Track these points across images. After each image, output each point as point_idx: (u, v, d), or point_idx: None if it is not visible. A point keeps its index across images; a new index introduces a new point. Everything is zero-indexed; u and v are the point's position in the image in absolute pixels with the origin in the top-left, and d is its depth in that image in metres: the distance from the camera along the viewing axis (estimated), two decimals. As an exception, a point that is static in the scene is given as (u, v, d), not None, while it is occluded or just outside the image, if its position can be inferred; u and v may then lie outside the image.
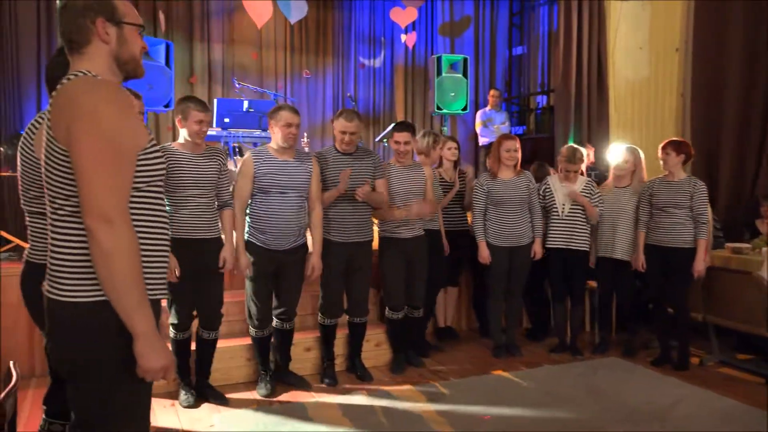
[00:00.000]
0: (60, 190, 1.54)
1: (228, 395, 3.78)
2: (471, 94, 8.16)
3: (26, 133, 2.20)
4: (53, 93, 1.58)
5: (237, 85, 6.60)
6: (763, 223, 5.50)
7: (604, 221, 4.67)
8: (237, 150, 7.01)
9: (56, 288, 1.55)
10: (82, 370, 1.56)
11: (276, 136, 3.69)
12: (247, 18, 7.22)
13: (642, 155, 4.76)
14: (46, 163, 1.56)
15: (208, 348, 3.68)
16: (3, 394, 1.77)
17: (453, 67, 7.65)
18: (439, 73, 7.54)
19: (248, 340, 3.98)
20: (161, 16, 7.06)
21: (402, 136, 4.17)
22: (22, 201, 2.29)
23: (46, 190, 1.59)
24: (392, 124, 4.55)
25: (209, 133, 6.32)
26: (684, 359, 4.39)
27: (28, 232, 2.26)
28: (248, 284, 3.75)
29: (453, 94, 7.53)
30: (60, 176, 1.53)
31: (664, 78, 6.81)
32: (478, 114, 7.81)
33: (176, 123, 3.51)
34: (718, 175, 6.27)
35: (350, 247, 3.93)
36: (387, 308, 4.26)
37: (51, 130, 1.52)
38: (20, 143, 2.21)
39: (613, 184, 4.74)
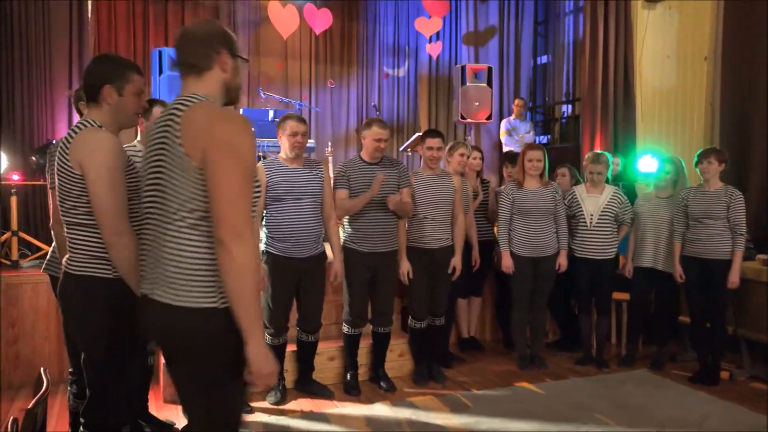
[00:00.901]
0: (185, 202, 1.73)
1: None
2: (495, 104, 8.13)
3: (62, 143, 2.20)
4: (176, 111, 1.77)
5: (263, 95, 6.67)
6: (795, 235, 5.39)
7: (645, 231, 4.61)
8: (263, 159, 7.08)
9: (175, 294, 1.73)
10: (203, 372, 1.76)
11: (283, 145, 3.73)
12: (273, 29, 7.31)
13: (684, 165, 4.71)
14: (164, 173, 1.76)
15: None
16: (34, 401, 1.80)
17: (477, 76, 7.64)
18: (463, 82, 7.53)
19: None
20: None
21: (435, 142, 4.18)
22: (60, 212, 2.27)
23: (153, 198, 1.80)
24: (417, 134, 4.55)
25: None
26: (714, 373, 4.30)
27: (68, 243, 2.26)
28: (268, 291, 3.74)
29: (477, 103, 7.51)
30: (189, 189, 1.71)
31: (692, 87, 6.72)
32: (503, 123, 7.78)
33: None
34: (748, 185, 6.15)
35: (376, 257, 3.94)
36: (410, 318, 4.26)
37: (182, 147, 1.71)
38: (58, 154, 2.20)
39: (654, 194, 4.69)
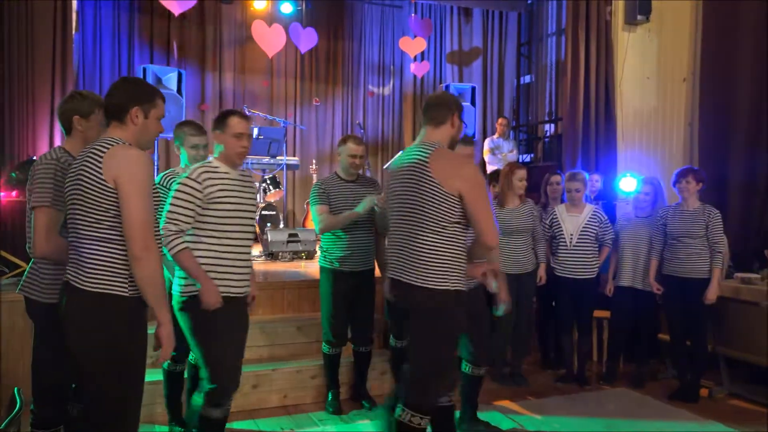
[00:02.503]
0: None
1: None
2: (479, 123, 8.21)
3: (89, 158, 2.22)
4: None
5: (248, 113, 6.69)
6: (773, 253, 5.46)
7: (625, 250, 4.66)
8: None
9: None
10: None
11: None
12: (259, 47, 7.35)
13: (662, 184, 4.78)
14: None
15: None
16: (6, 421, 1.78)
17: (461, 95, 7.72)
18: (447, 101, 7.60)
19: (254, 369, 3.98)
20: (174, 46, 7.20)
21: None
22: (80, 227, 2.22)
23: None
24: (401, 152, 4.57)
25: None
26: (694, 391, 4.33)
27: (84, 259, 2.20)
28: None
29: (461, 122, 7.58)
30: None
31: (671, 107, 6.84)
32: (486, 142, 7.85)
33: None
34: (726, 204, 6.24)
35: (357, 276, 3.94)
36: (391, 336, 4.24)
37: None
38: (83, 168, 2.20)
39: (633, 214, 4.74)
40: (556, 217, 4.68)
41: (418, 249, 2.61)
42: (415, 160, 2.65)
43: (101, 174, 2.14)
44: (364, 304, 4.01)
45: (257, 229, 6.44)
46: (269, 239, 5.74)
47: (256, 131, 6.27)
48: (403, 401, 2.70)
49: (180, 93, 6.29)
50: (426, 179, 2.58)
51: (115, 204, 2.15)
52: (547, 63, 8.61)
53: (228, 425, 3.66)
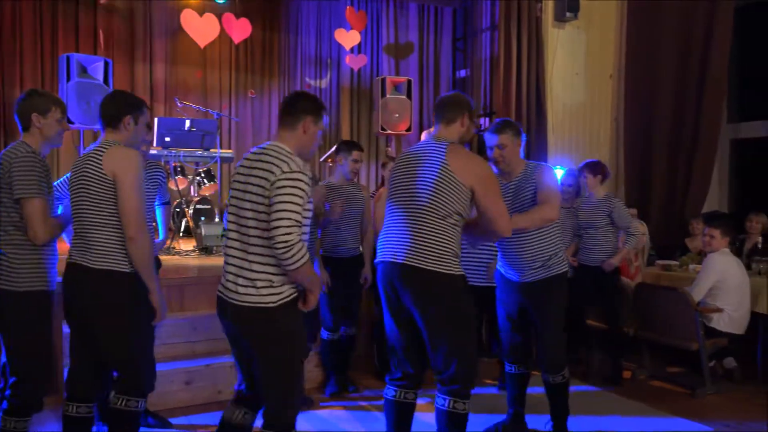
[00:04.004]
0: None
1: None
2: (416, 116, 8.28)
3: (92, 157, 2.71)
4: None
5: (179, 104, 6.52)
6: (692, 241, 5.77)
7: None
8: (179, 170, 6.91)
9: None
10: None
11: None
12: (190, 37, 7.17)
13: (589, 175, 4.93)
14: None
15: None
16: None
17: (397, 88, 7.77)
18: (383, 94, 7.63)
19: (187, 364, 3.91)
20: (101, 34, 6.95)
21: (360, 155, 4.31)
22: (88, 215, 2.68)
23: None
24: (337, 144, 4.59)
25: (150, 152, 6.24)
26: (617, 373, 4.53)
27: (90, 243, 2.67)
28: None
29: (397, 115, 7.63)
30: None
31: (599, 103, 7.10)
32: (423, 135, 7.91)
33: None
34: (650, 196, 6.54)
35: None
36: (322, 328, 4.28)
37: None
38: (86, 166, 2.67)
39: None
40: None
41: (426, 234, 2.71)
42: (432, 151, 2.79)
43: (102, 169, 2.63)
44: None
45: (191, 223, 6.30)
46: (203, 233, 5.63)
47: (188, 123, 6.12)
48: (448, 390, 2.75)
49: (107, 83, 6.06)
50: (443, 169, 2.71)
51: (114, 194, 2.63)
52: (482, 58, 8.74)
53: (160, 421, 3.61)
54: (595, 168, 4.58)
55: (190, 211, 6.47)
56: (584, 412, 3.91)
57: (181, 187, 6.73)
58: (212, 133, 6.30)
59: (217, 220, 6.49)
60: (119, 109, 2.78)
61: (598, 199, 4.54)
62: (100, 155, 2.67)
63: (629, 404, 4.10)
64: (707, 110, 6.07)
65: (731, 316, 4.29)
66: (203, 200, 6.74)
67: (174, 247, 5.67)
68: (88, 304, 2.66)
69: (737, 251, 5.28)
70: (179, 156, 6.01)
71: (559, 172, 5.45)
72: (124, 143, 2.75)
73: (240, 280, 2.42)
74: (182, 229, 6.56)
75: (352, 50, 8.36)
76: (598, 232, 4.48)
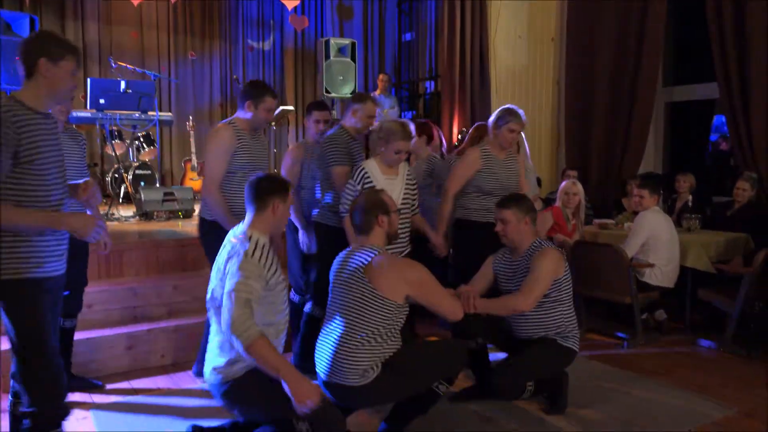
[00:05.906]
0: None
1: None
2: (360, 79, 8.22)
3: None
4: None
5: (113, 65, 6.27)
6: (628, 201, 5.97)
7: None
8: (116, 134, 6.69)
9: None
10: None
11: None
12: (125, -5, 6.88)
13: (523, 135, 5.00)
14: None
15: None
16: None
17: (341, 51, 7.67)
18: (327, 56, 7.53)
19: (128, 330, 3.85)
20: (27, -11, 6.58)
21: (321, 114, 4.05)
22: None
23: None
24: (283, 107, 4.49)
25: (82, 115, 6.00)
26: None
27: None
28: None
29: (342, 77, 7.56)
30: None
31: (541, 66, 7.19)
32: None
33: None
34: (590, 157, 6.71)
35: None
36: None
37: None
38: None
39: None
40: (368, 175, 3.66)
41: (350, 352, 2.65)
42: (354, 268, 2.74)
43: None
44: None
45: (130, 189, 6.13)
46: (143, 198, 5.49)
47: (123, 84, 5.90)
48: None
49: (35, 42, 5.76)
50: (367, 289, 2.68)
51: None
52: (427, 21, 8.71)
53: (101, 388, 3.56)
54: (422, 128, 4.60)
55: (130, 177, 6.29)
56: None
57: (119, 152, 6.52)
58: (150, 95, 6.10)
59: (157, 185, 6.34)
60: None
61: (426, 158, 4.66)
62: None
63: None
64: (644, 74, 6.22)
65: (662, 271, 4.48)
66: (143, 165, 6.56)
67: (113, 213, 5.52)
68: None
69: (669, 209, 5.51)
70: (115, 119, 5.80)
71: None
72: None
73: None
74: (121, 195, 6.38)
75: (294, 10, 8.19)
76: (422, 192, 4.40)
